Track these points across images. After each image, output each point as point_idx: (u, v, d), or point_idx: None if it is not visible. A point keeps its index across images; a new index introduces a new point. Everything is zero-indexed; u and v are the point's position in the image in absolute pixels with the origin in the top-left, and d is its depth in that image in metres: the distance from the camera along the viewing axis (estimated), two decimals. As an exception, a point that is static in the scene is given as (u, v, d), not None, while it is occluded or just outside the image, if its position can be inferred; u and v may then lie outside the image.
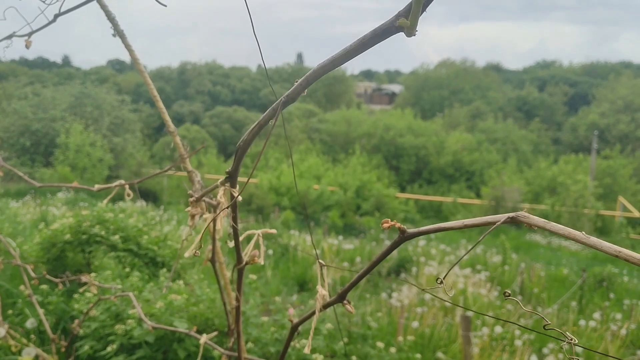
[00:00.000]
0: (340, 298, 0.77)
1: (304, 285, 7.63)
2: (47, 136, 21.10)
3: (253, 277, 4.09)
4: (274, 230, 1.04)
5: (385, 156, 38.72)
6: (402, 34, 0.57)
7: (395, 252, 9.60)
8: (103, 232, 3.53)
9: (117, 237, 3.47)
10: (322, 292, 0.76)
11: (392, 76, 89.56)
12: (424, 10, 0.56)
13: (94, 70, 52.99)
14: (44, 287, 3.00)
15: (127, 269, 3.31)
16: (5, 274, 3.39)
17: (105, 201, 1.52)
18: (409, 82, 57.78)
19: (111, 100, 25.23)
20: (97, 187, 1.53)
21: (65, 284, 2.40)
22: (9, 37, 1.36)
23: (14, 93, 23.25)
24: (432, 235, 18.25)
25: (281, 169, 21.43)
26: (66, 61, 76.84)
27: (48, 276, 1.99)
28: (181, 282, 3.05)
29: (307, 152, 36.30)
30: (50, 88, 24.91)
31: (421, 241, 10.74)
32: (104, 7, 1.31)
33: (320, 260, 0.78)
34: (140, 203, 11.60)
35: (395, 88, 71.26)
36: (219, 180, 0.97)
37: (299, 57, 77.70)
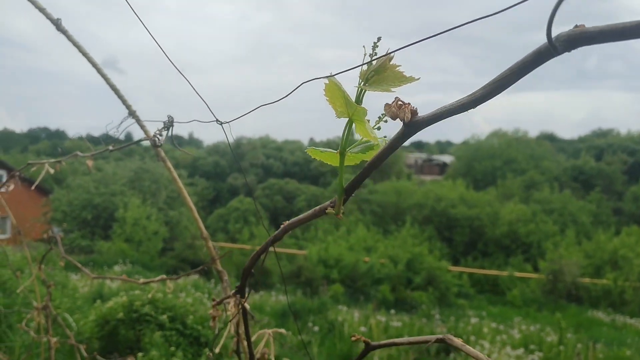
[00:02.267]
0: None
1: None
2: (107, 210, 22.16)
3: None
4: (283, 330, 1.15)
5: (437, 227, 38.17)
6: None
7: (445, 328, 9.35)
8: (152, 312, 3.70)
9: (165, 316, 3.63)
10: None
11: (443, 147, 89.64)
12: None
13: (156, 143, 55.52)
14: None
15: (173, 348, 3.43)
16: (63, 349, 3.58)
17: (150, 294, 1.67)
18: (460, 153, 57.66)
19: (168, 175, 26.22)
20: (142, 281, 1.70)
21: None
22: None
23: (78, 168, 24.78)
24: (484, 312, 17.64)
25: (328, 241, 21.47)
26: (128, 137, 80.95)
27: (99, 357, 2.14)
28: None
29: (357, 223, 36.24)
30: (112, 163, 26.43)
31: (473, 319, 10.42)
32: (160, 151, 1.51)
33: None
34: (193, 276, 11.87)
35: (446, 159, 71.07)
36: (232, 292, 1.11)
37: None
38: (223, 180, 53.48)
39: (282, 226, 0.91)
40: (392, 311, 11.86)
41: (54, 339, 2.63)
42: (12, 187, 2.49)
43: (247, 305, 1.06)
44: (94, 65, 1.49)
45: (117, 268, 14.24)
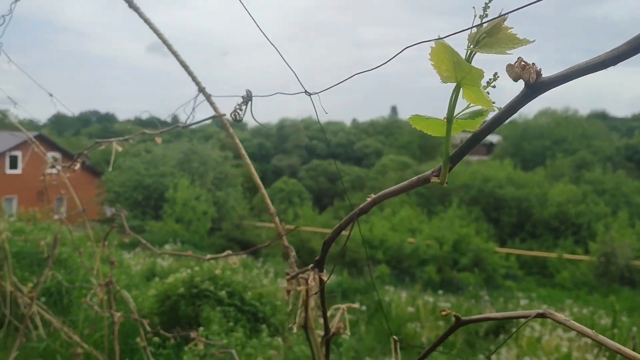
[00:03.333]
0: None
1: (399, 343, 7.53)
2: (157, 191, 22.79)
3: (346, 336, 4.18)
4: (356, 305, 1.18)
5: (484, 208, 37.49)
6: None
7: (494, 309, 9.24)
8: (212, 287, 3.82)
9: (224, 292, 3.74)
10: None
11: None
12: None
13: (200, 128, 56.62)
14: (156, 339, 3.30)
15: (231, 323, 3.53)
16: (125, 324, 3.73)
17: (217, 271, 1.72)
18: (507, 132, 56.26)
19: (215, 157, 26.91)
20: (209, 256, 1.75)
21: (176, 338, 2.65)
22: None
23: (129, 150, 25.49)
24: (534, 294, 17.31)
25: (372, 221, 21.43)
26: (174, 120, 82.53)
27: (162, 331, 2.23)
28: (279, 338, 3.21)
29: (401, 204, 36.02)
30: (161, 145, 27.08)
31: (522, 300, 10.26)
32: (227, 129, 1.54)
33: (395, 337, 0.90)
34: (243, 256, 12.12)
35: (493, 138, 69.40)
36: (310, 266, 1.13)
37: (393, 110, 78.34)
38: (267, 162, 54.02)
39: (369, 198, 0.92)
40: (440, 292, 11.80)
41: (118, 314, 2.75)
42: (78, 166, 2.57)
43: (325, 278, 1.09)
44: (165, 42, 1.53)
45: (167, 247, 14.67)
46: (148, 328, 2.29)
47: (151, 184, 22.98)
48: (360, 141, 56.10)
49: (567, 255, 24.23)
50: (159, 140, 1.79)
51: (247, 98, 1.17)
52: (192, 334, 2.05)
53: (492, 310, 9.42)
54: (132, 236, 2.19)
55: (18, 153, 23.59)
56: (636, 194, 39.30)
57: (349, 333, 1.15)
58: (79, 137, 50.19)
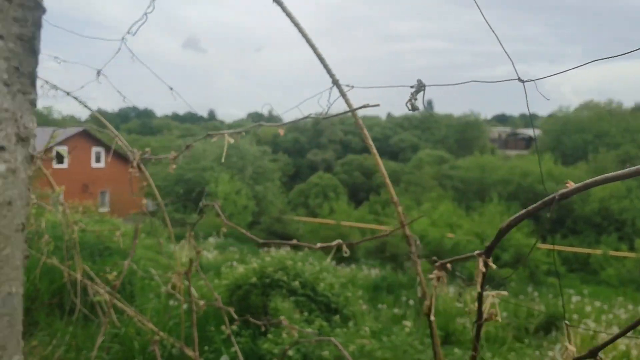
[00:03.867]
0: (592, 354, 0.90)
1: (448, 338, 7.52)
2: (198, 185, 23.17)
3: (407, 324, 4.20)
4: (505, 293, 1.20)
5: (523, 204, 36.45)
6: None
7: (543, 307, 9.12)
8: (285, 278, 3.87)
9: (297, 282, 3.80)
10: (572, 348, 0.90)
11: (528, 120, 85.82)
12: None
13: (236, 123, 57.08)
14: (233, 327, 3.37)
15: (306, 313, 3.58)
16: (202, 312, 3.83)
17: (329, 259, 1.76)
18: (547, 126, 55.03)
19: (254, 151, 27.21)
20: (319, 245, 1.78)
21: (249, 326, 2.71)
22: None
23: (170, 145, 25.97)
24: (585, 291, 16.93)
25: (412, 216, 21.31)
26: (211, 115, 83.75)
27: (251, 319, 2.29)
28: (350, 323, 3.25)
29: (439, 199, 35.68)
30: (200, 140, 27.41)
31: (574, 297, 10.06)
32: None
33: (567, 321, 0.92)
34: (284, 248, 12.22)
35: (532, 132, 68.16)
36: (476, 252, 1.16)
37: (429, 104, 77.47)
38: (302, 157, 54.18)
39: (568, 185, 0.93)
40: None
41: (201, 302, 2.84)
42: (177, 157, 2.62)
43: (492, 264, 1.11)
44: (305, 36, 1.56)
45: (211, 240, 14.93)
46: (235, 316, 2.36)
47: (192, 178, 23.40)
48: (395, 135, 55.74)
49: (612, 252, 23.64)
50: (282, 132, 1.83)
51: (418, 87, 1.19)
52: (284, 322, 2.10)
53: (540, 306, 9.28)
54: (230, 226, 2.25)
55: (64, 148, 24.28)
56: (683, 190, 38.01)
57: (500, 319, 1.17)
58: (119, 133, 51.09)
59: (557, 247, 25.89)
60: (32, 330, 5.35)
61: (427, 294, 1.52)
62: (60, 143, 23.75)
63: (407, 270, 16.64)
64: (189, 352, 2.85)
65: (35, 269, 5.58)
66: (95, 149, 24.55)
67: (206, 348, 3.38)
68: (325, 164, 52.26)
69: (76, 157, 24.44)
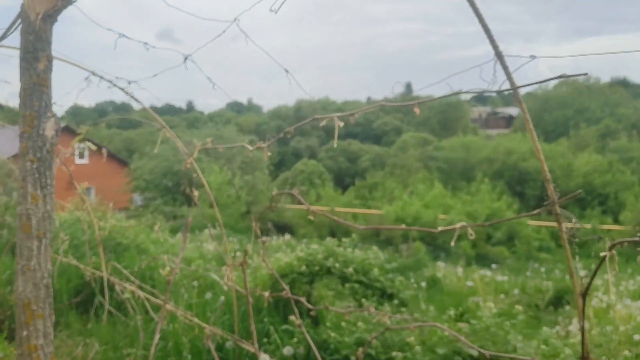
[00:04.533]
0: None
1: (462, 316, 7.52)
2: (186, 176, 22.71)
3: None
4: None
5: (508, 182, 37.16)
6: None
7: (550, 282, 9.18)
8: (337, 264, 3.77)
9: (350, 269, 3.70)
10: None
11: (507, 99, 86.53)
12: None
13: (216, 113, 56.55)
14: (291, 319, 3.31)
15: (365, 300, 3.49)
16: (242, 302, 3.74)
17: (453, 240, 1.68)
18: (527, 104, 54.89)
19: (241, 141, 26.81)
20: (440, 229, 1.70)
21: (304, 316, 2.61)
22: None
23: (153, 139, 25.58)
24: (593, 265, 17.14)
25: (404, 199, 21.37)
26: (190, 106, 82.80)
27: (330, 307, 2.20)
28: (404, 308, 3.18)
29: (425, 181, 35.82)
30: (186, 131, 27.20)
31: (582, 271, 10.12)
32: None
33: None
34: (282, 237, 12.15)
35: (512, 111, 68.86)
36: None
37: (408, 86, 77.54)
38: (286, 144, 53.93)
39: None
40: (494, 266, 11.71)
41: (266, 293, 2.74)
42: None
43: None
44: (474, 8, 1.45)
45: (207, 231, 14.73)
46: (309, 306, 2.27)
47: (180, 170, 23.03)
48: (378, 119, 55.74)
49: (601, 226, 24.00)
50: (417, 110, 1.72)
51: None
52: (370, 309, 2.02)
53: (547, 282, 9.32)
54: (323, 215, 2.15)
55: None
56: (664, 162, 38.70)
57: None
58: (98, 128, 50.43)
59: (545, 223, 26.18)
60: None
61: (575, 275, 1.45)
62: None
63: (402, 253, 16.72)
64: (248, 346, 2.75)
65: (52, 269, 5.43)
66: (77, 146, 24.08)
67: (265, 340, 3.28)
68: (310, 151, 52.14)
69: (58, 153, 24.01)
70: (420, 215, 19.48)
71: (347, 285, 3.58)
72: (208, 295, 4.24)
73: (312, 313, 3.11)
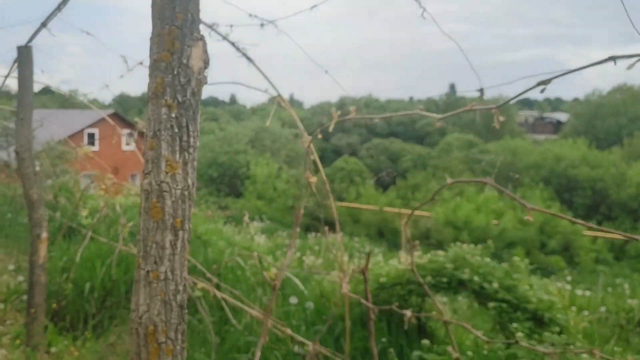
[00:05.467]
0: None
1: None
2: (232, 168, 22.60)
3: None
4: None
5: (556, 189, 35.89)
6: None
7: (636, 301, 8.38)
8: (476, 277, 3.16)
9: (495, 284, 3.08)
10: None
11: (554, 104, 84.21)
12: None
13: (259, 107, 56.48)
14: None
15: (515, 325, 2.84)
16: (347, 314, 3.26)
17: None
18: (578, 110, 53.63)
19: (286, 134, 26.56)
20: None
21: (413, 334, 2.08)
22: None
23: (203, 127, 25.46)
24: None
25: (456, 202, 20.57)
26: (233, 100, 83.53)
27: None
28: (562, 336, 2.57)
29: (475, 185, 34.82)
30: (233, 123, 26.98)
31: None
32: None
33: None
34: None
35: (560, 116, 66.86)
36: None
37: (452, 87, 76.11)
38: (327, 140, 53.44)
39: None
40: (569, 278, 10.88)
41: (408, 313, 2.23)
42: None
43: None
44: None
45: (255, 224, 14.37)
46: (479, 334, 1.73)
47: (225, 161, 22.83)
48: (421, 119, 54.74)
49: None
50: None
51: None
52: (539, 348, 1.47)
53: (633, 301, 8.51)
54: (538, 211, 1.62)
55: (95, 130, 23.89)
56: None
57: None
58: (142, 117, 51.12)
59: (604, 234, 25.01)
60: (106, 325, 4.79)
61: None
62: (91, 126, 23.32)
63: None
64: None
65: (109, 258, 5.02)
66: (125, 132, 24.12)
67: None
68: (350, 148, 51.57)
69: (107, 139, 24.06)
70: (471, 219, 18.69)
71: (490, 304, 2.95)
72: (293, 299, 3.72)
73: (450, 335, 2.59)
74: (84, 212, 5.45)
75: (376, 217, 16.88)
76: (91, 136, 24.41)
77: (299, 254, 9.90)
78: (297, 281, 4.19)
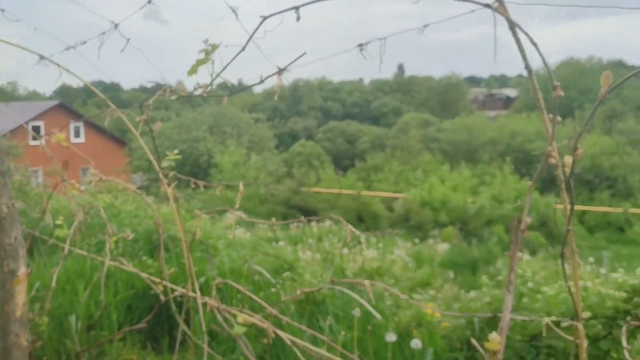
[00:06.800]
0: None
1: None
2: (192, 156, 21.22)
3: None
4: None
5: (514, 164, 36.12)
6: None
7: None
8: None
9: None
10: None
11: (500, 81, 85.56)
12: None
13: (211, 92, 54.52)
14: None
15: None
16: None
17: None
18: (527, 85, 54.32)
19: (247, 119, 25.26)
20: None
21: None
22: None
23: (155, 117, 23.87)
24: (624, 251, 15.97)
25: (431, 183, 19.99)
26: (180, 86, 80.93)
27: None
28: None
29: (431, 163, 34.68)
30: (189, 109, 25.41)
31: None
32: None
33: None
34: (321, 223, 10.66)
35: (509, 92, 68.05)
36: None
37: (400, 68, 76.10)
38: (283, 125, 52.22)
39: None
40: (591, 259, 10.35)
41: None
42: None
43: None
44: None
45: (230, 216, 13.25)
46: None
47: (185, 150, 21.35)
48: (377, 100, 54.25)
49: (632, 210, 22.93)
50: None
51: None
52: None
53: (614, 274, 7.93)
54: None
55: (40, 123, 21.95)
56: (672, 144, 37.96)
57: None
58: (87, 108, 48.51)
59: (580, 207, 25.04)
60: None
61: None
62: (36, 118, 21.47)
63: (435, 240, 15.36)
64: None
65: (95, 275, 3.89)
66: (73, 124, 22.34)
67: None
68: (307, 132, 50.56)
69: (53, 132, 22.23)
70: (448, 199, 18.14)
71: None
72: (416, 344, 2.48)
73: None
74: (59, 220, 4.26)
75: (354, 202, 16.09)
76: (36, 129, 22.44)
77: (289, 248, 8.89)
78: (367, 304, 3.13)
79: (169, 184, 2.94)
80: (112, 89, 64.41)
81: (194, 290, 3.05)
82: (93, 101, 53.91)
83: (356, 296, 3.17)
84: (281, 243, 8.88)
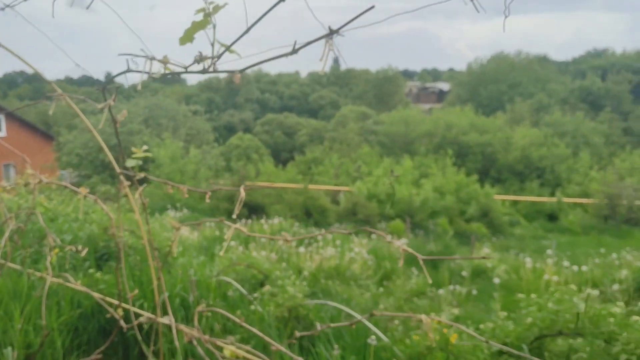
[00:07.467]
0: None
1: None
2: (127, 150, 19.90)
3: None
4: None
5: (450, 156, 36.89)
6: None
7: (625, 272, 7.89)
8: None
9: None
10: None
11: (433, 74, 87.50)
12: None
13: (144, 84, 52.44)
14: None
15: None
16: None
17: None
18: (462, 78, 55.77)
19: (184, 111, 24.18)
20: None
21: None
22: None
23: (86, 108, 22.38)
24: (560, 240, 16.37)
25: (376, 175, 19.83)
26: (108, 77, 77.57)
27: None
28: None
29: (370, 155, 34.85)
30: (122, 101, 24.04)
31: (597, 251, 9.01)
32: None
33: None
34: (270, 220, 10.17)
35: (442, 86, 69.62)
36: None
37: (335, 61, 76.21)
38: (218, 117, 50.98)
39: None
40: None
41: None
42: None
43: None
44: None
45: (171, 213, 12.49)
46: None
47: (118, 144, 19.97)
48: (314, 92, 53.96)
49: (566, 199, 23.74)
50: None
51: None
52: None
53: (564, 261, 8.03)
54: None
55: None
56: (594, 135, 39.94)
57: None
58: (8, 100, 45.45)
59: (512, 197, 25.72)
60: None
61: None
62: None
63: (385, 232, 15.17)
64: None
65: (32, 297, 3.25)
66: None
67: None
68: (244, 124, 49.59)
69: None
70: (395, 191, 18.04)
71: None
72: None
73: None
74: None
75: (301, 197, 15.65)
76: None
77: (241, 247, 8.37)
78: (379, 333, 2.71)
79: (135, 188, 2.38)
80: (35, 80, 60.82)
81: (165, 314, 2.52)
82: (15, 92, 50.58)
83: (369, 326, 2.75)
84: (232, 243, 8.35)
